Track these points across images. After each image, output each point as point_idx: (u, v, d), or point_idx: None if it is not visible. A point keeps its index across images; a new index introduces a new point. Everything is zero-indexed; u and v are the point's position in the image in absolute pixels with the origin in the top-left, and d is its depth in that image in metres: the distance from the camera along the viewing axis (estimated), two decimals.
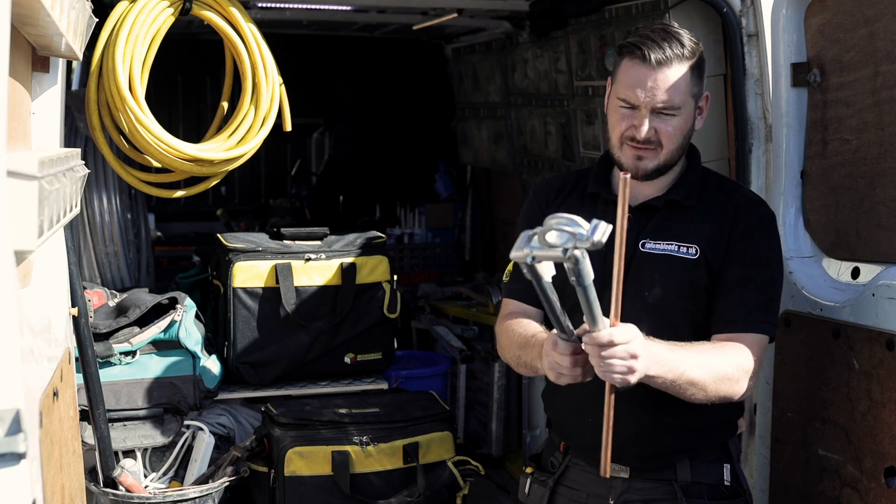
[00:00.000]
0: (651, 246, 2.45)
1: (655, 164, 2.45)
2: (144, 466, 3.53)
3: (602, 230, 1.86)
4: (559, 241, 1.88)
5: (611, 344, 2.08)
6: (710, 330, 2.44)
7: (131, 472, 3.37)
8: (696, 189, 2.51)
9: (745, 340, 2.38)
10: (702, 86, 2.48)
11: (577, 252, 1.86)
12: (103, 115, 3.28)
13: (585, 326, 2.13)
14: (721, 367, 2.32)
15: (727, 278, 2.43)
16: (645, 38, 2.41)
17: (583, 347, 2.14)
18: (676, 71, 2.39)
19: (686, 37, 2.44)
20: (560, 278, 1.96)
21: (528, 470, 2.68)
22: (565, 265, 1.90)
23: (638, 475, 2.48)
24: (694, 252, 2.44)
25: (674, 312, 2.43)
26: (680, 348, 2.28)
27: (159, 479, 3.55)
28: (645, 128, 2.40)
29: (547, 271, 1.97)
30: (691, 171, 2.55)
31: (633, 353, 2.10)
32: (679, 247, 2.44)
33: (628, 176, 2.03)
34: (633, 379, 2.13)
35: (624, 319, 2.16)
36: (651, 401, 2.36)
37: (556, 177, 2.81)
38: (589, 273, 1.91)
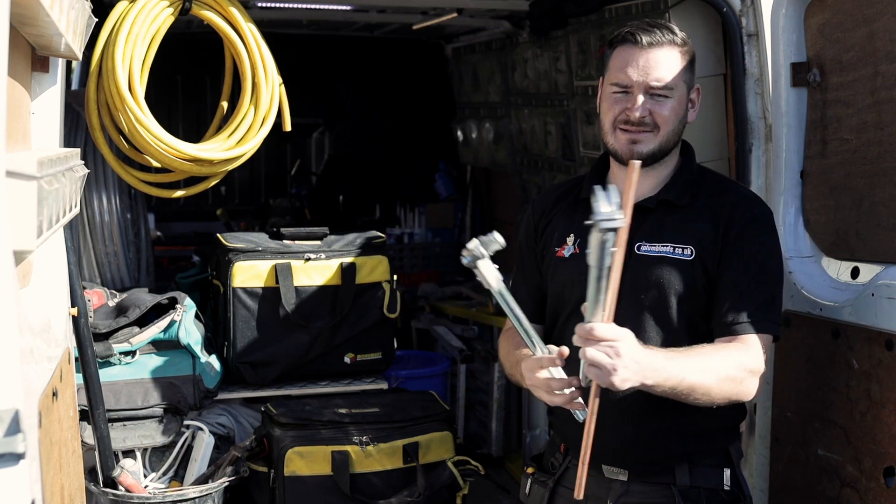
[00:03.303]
0: (647, 248, 2.44)
1: (651, 148, 2.43)
2: (144, 466, 3.53)
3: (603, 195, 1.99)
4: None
5: (591, 333, 2.11)
6: (707, 331, 2.42)
7: (131, 472, 3.37)
8: (689, 188, 2.50)
9: (749, 341, 2.37)
10: (693, 78, 2.49)
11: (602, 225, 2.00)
12: (103, 115, 3.28)
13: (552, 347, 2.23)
14: (723, 369, 2.30)
15: (726, 280, 2.41)
16: (634, 27, 2.46)
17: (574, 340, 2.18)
18: (667, 53, 2.42)
19: (677, 29, 2.48)
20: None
21: (529, 470, 2.68)
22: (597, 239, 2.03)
23: (636, 478, 2.47)
24: (689, 253, 2.42)
25: (671, 315, 2.42)
26: (679, 354, 2.28)
27: (159, 479, 3.55)
28: (638, 107, 2.40)
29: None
30: (685, 168, 2.53)
31: (617, 351, 2.11)
32: (674, 248, 2.43)
33: (638, 163, 2.05)
34: (618, 381, 2.13)
35: (621, 322, 2.19)
36: (649, 405, 2.35)
37: (553, 188, 2.83)
38: (602, 258, 2.03)
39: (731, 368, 2.31)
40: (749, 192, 2.61)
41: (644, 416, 2.40)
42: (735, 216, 2.44)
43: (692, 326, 2.43)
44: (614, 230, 1.99)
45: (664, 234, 2.45)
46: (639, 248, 2.44)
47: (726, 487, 2.48)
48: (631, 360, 2.13)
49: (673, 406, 2.33)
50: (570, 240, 2.56)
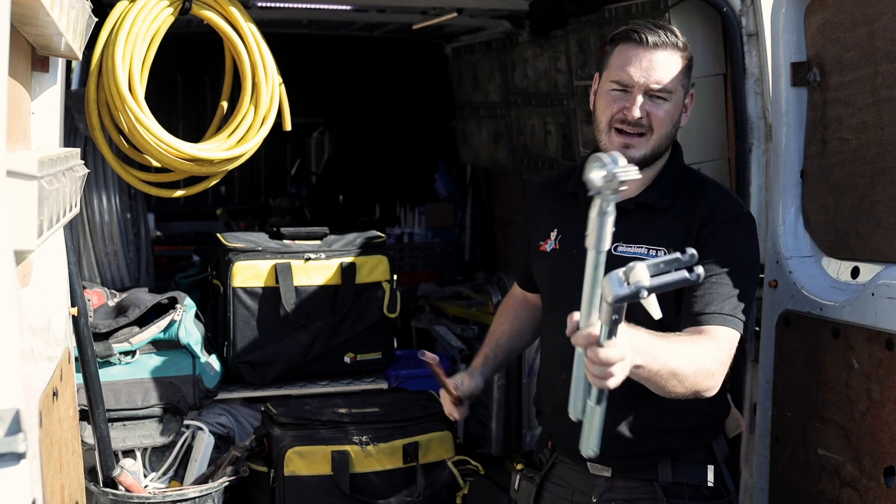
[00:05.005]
0: (623, 249, 2.46)
1: (643, 153, 2.44)
2: (144, 466, 3.53)
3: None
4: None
5: (596, 358, 1.98)
6: (678, 331, 2.42)
7: (131, 472, 3.37)
8: (671, 190, 2.50)
9: (716, 334, 2.35)
10: (689, 83, 2.50)
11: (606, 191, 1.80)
12: (103, 114, 3.27)
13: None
14: (701, 359, 2.29)
15: None
16: (639, 25, 2.45)
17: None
18: (670, 55, 2.42)
19: (678, 32, 2.48)
20: None
21: (519, 466, 2.72)
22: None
23: (620, 474, 2.50)
24: (662, 255, 2.43)
25: (643, 315, 2.42)
26: (662, 338, 2.26)
27: (159, 478, 3.55)
28: (637, 107, 2.40)
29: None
30: (669, 170, 2.54)
31: (614, 371, 2.00)
32: (649, 250, 2.44)
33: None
34: (613, 384, 2.04)
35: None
36: (629, 403, 2.36)
37: (550, 175, 2.85)
38: (601, 234, 1.85)
39: (706, 360, 2.30)
40: (729, 196, 2.59)
41: (626, 414, 2.42)
42: (709, 217, 2.44)
43: (665, 327, 2.42)
44: (622, 183, 1.81)
45: (640, 235, 2.46)
46: (615, 249, 2.45)
47: (709, 484, 2.49)
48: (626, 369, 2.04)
49: (655, 403, 2.34)
50: (553, 234, 2.58)
